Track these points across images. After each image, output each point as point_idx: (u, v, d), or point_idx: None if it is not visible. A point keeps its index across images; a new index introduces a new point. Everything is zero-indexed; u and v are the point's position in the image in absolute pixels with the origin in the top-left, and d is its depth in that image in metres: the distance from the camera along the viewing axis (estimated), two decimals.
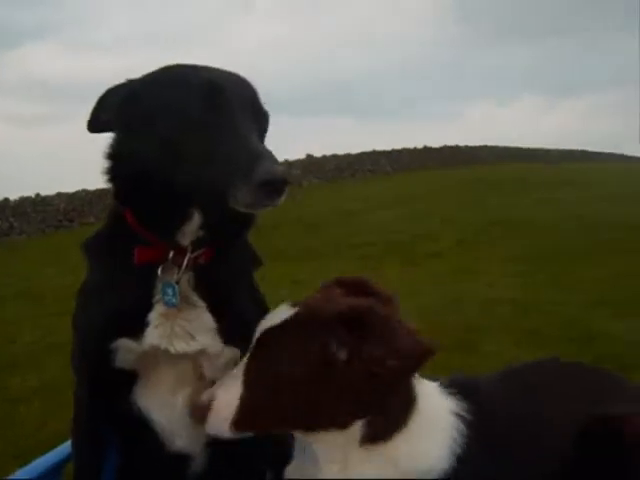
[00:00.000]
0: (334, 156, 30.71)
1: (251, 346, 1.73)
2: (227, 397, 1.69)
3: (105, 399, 2.04)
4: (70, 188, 23.78)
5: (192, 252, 1.90)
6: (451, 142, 36.50)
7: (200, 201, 1.81)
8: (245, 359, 1.74)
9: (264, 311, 2.02)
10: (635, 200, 16.86)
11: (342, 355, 1.59)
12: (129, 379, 2.00)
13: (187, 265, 1.90)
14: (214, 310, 1.96)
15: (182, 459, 2.12)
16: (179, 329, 1.92)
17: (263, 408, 1.67)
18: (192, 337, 1.93)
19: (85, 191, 23.99)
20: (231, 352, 1.97)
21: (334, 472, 1.69)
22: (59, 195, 23.52)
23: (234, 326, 1.96)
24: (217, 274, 1.97)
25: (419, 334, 1.61)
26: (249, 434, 1.72)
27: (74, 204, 23.56)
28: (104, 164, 1.92)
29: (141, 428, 2.05)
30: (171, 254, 1.89)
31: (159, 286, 1.91)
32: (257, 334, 1.72)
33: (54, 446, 2.35)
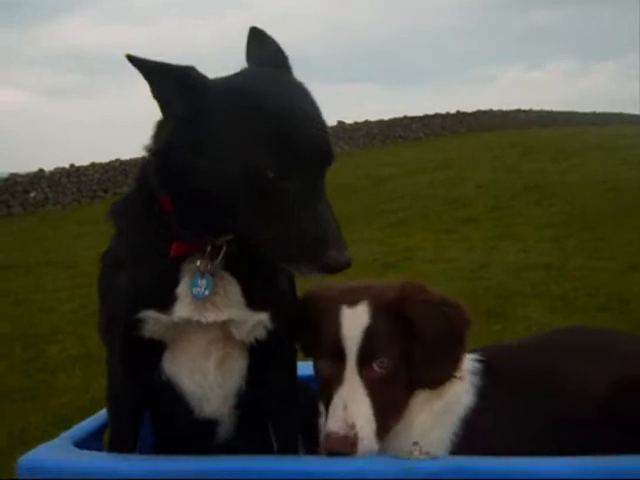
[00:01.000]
0: (366, 122, 30.53)
1: (353, 356, 1.94)
2: (365, 415, 1.90)
3: (136, 368, 2.06)
4: (104, 158, 23.99)
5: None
6: (484, 107, 36.04)
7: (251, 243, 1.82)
8: (352, 372, 1.94)
9: (289, 278, 2.11)
10: None
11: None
12: (158, 348, 2.03)
13: (219, 261, 1.92)
14: (241, 280, 1.98)
15: (210, 425, 2.15)
16: (209, 302, 1.94)
17: (392, 411, 1.98)
18: (221, 308, 1.95)
19: (119, 161, 24.17)
20: (258, 317, 1.99)
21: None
22: (93, 165, 23.71)
23: (261, 294, 1.99)
24: (245, 253, 1.96)
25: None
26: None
27: (108, 174, 23.74)
28: (160, 155, 1.85)
29: (170, 396, 2.08)
30: (208, 249, 1.90)
31: (187, 272, 1.92)
32: (354, 347, 1.95)
33: (95, 413, 2.40)
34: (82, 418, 2.38)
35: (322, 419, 2.08)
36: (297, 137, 1.72)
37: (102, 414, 2.34)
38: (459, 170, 19.84)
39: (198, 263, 1.90)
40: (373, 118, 31.14)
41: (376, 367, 1.94)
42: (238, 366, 2.09)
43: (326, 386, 1.98)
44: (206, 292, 1.91)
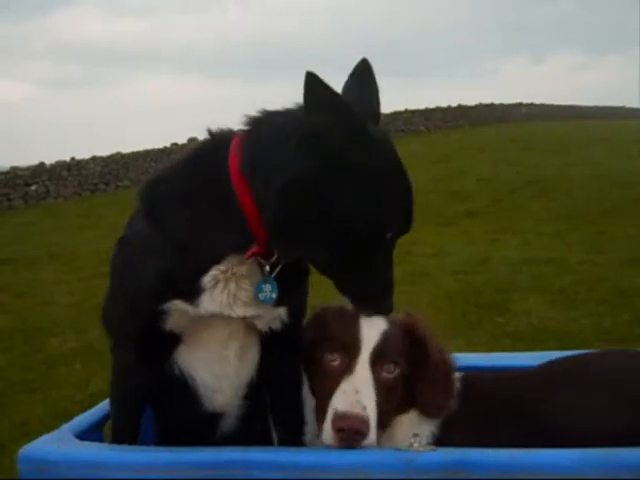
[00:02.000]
0: None
1: (367, 358, 2.00)
2: (372, 410, 1.92)
3: (147, 361, 2.05)
4: (105, 151, 24.00)
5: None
6: (486, 100, 35.99)
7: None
8: (365, 367, 1.99)
9: (304, 276, 2.14)
10: None
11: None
12: (174, 340, 2.02)
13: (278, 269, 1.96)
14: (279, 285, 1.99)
15: (215, 418, 2.16)
16: (238, 297, 1.94)
17: (387, 414, 2.02)
18: (250, 304, 1.95)
19: (120, 154, 24.17)
20: (279, 310, 2.02)
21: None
22: (94, 159, 23.69)
23: (287, 292, 2.00)
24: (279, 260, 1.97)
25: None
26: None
27: (109, 167, 23.74)
28: (273, 167, 1.80)
29: (181, 388, 2.08)
30: (274, 257, 1.92)
31: (233, 260, 1.91)
32: (369, 345, 2.01)
33: (95, 405, 2.40)
34: (83, 411, 2.38)
35: (309, 413, 2.16)
36: (409, 209, 1.94)
37: (103, 406, 2.35)
38: (460, 164, 19.84)
39: (267, 268, 1.93)
40: None
41: (385, 370, 2.01)
42: (252, 356, 2.11)
43: (331, 376, 1.99)
44: (273, 295, 1.95)
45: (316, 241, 1.81)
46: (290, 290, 2.02)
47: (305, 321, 2.18)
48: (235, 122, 1.97)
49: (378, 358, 2.00)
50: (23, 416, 5.15)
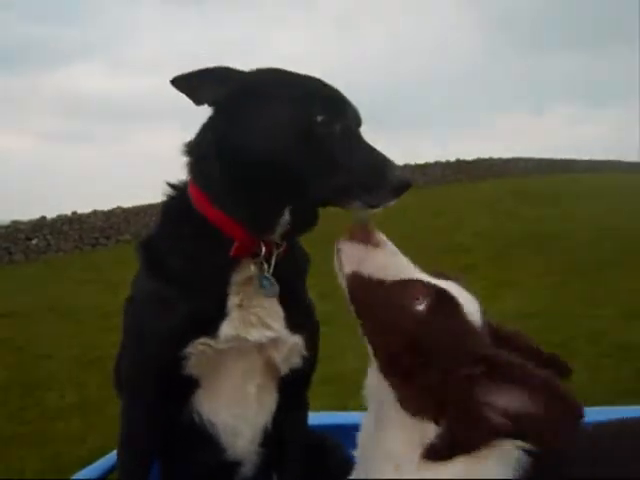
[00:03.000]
0: None
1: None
2: (381, 263, 1.73)
3: (161, 410, 2.04)
4: (106, 206, 24.06)
5: (277, 247, 1.95)
6: (484, 154, 36.28)
7: (313, 201, 1.89)
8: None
9: (312, 303, 2.15)
10: None
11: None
12: (191, 386, 2.00)
13: (274, 259, 1.95)
14: (282, 300, 1.99)
15: (232, 466, 2.12)
16: (254, 318, 1.94)
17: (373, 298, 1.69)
18: (267, 326, 1.95)
19: (121, 208, 24.25)
20: (295, 340, 2.01)
21: (389, 471, 1.65)
22: (95, 213, 23.77)
23: (298, 315, 2.02)
24: (284, 266, 1.99)
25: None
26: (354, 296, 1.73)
27: (110, 221, 23.79)
28: (202, 146, 1.94)
29: (198, 436, 2.05)
30: (263, 249, 1.91)
31: (236, 279, 1.93)
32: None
33: (93, 462, 2.39)
34: (80, 467, 2.37)
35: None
36: (337, 95, 1.91)
37: (101, 463, 2.34)
38: (458, 217, 19.92)
39: (252, 268, 1.93)
40: None
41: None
42: (269, 401, 2.09)
43: None
44: (276, 288, 1.94)
45: (265, 175, 1.84)
46: (301, 315, 2.04)
47: None
48: None
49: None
50: (19, 472, 5.11)
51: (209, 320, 1.92)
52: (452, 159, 34.32)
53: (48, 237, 22.42)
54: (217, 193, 1.90)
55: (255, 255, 1.92)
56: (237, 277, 1.93)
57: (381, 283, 1.69)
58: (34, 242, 22.03)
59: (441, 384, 1.57)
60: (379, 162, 1.85)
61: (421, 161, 33.16)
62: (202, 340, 1.91)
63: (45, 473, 5.02)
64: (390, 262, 1.74)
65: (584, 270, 11.58)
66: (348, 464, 2.30)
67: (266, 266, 1.93)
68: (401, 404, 1.62)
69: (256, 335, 1.94)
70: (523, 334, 1.80)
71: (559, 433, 1.49)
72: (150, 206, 23.73)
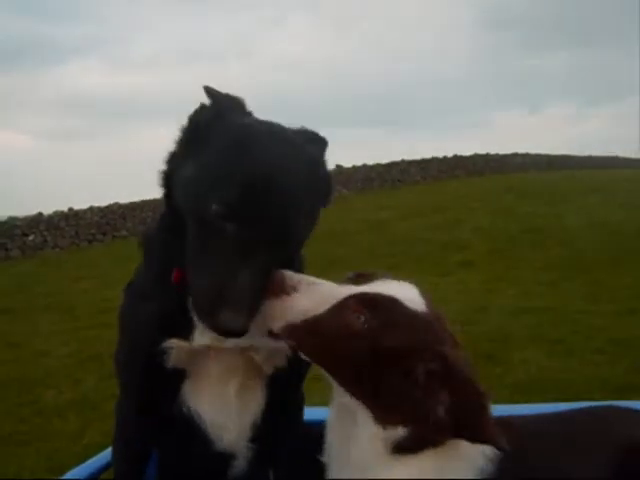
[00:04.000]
0: (363, 166, 30.68)
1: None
2: (304, 304, 1.65)
3: (152, 405, 2.04)
4: (103, 202, 24.05)
5: None
6: (481, 150, 36.27)
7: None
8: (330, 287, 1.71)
9: None
10: None
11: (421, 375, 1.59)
12: (178, 378, 2.00)
13: None
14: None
15: (225, 459, 2.11)
16: None
17: (321, 339, 1.66)
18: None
19: (118, 204, 24.23)
20: (278, 344, 1.90)
21: (359, 471, 1.69)
22: (92, 209, 23.75)
23: None
24: None
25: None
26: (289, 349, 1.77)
27: (107, 218, 23.78)
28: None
29: (189, 427, 2.04)
30: None
31: None
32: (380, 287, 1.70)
33: (89, 459, 2.38)
34: (77, 464, 2.36)
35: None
36: (241, 180, 1.63)
37: (98, 459, 2.33)
38: (456, 213, 19.92)
39: None
40: (371, 162, 31.33)
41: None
42: (255, 398, 2.06)
43: None
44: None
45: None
46: None
47: None
48: None
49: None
50: (16, 469, 5.10)
51: (183, 323, 1.89)
52: (450, 155, 34.30)
53: (45, 233, 22.40)
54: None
55: None
56: None
57: (316, 319, 1.64)
58: (31, 238, 22.01)
59: (404, 387, 1.59)
60: (223, 294, 1.59)
61: (418, 157, 33.15)
62: (175, 341, 1.91)
63: (42, 470, 5.01)
64: (313, 296, 1.67)
65: (582, 266, 11.59)
66: None
67: None
68: (374, 418, 1.63)
69: (232, 342, 1.87)
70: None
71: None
72: (147, 202, 23.72)
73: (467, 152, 35.10)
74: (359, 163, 30.75)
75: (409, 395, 1.58)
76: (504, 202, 21.34)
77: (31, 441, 5.80)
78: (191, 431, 2.04)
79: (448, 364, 1.58)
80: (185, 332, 1.91)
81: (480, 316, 8.89)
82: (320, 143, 1.92)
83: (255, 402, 2.07)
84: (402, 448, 1.62)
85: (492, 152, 36.63)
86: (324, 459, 1.83)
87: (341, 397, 1.71)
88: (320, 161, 1.88)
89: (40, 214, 22.81)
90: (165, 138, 1.89)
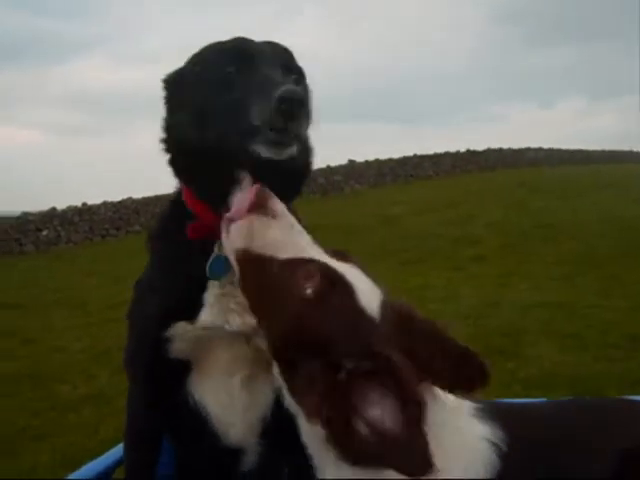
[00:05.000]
0: (376, 161, 30.61)
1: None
2: (272, 237, 1.55)
3: (160, 396, 2.05)
4: (116, 197, 24.12)
5: None
6: (494, 145, 36.13)
7: (236, 152, 1.80)
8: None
9: None
10: None
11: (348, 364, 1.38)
12: (184, 371, 2.02)
13: None
14: None
15: (235, 454, 2.11)
16: (234, 305, 1.93)
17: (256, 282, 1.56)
18: (247, 314, 1.88)
19: (131, 199, 24.30)
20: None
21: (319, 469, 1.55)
22: (105, 204, 23.82)
23: None
24: None
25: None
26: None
27: (120, 213, 23.85)
28: (161, 141, 1.99)
29: (195, 423, 2.05)
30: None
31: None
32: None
33: (104, 453, 2.39)
34: (91, 458, 2.37)
35: None
36: (253, 46, 1.90)
37: (112, 453, 2.33)
38: (469, 208, 19.87)
39: (216, 249, 1.89)
40: (384, 157, 31.27)
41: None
42: (264, 391, 2.05)
43: None
44: (222, 270, 1.89)
45: (208, 150, 1.84)
46: None
47: None
48: None
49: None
50: (31, 463, 5.13)
51: (188, 307, 1.92)
52: (462, 150, 34.19)
53: (58, 228, 22.49)
54: (187, 181, 1.96)
55: None
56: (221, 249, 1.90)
57: (271, 261, 1.51)
58: (44, 233, 22.10)
59: (324, 378, 1.39)
60: (267, 85, 1.73)
61: (431, 152, 33.05)
62: (181, 325, 1.92)
63: (57, 465, 5.03)
64: (285, 237, 1.56)
65: (595, 261, 11.53)
66: None
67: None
68: (290, 393, 1.50)
69: (236, 323, 1.92)
70: (442, 326, 1.56)
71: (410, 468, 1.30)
72: (160, 197, 23.75)
73: (480, 147, 34.98)
74: (371, 158, 30.70)
75: (328, 392, 1.37)
76: (517, 197, 21.27)
77: (45, 436, 5.83)
78: (199, 425, 2.05)
79: (382, 367, 1.35)
80: (191, 313, 1.93)
81: (493, 311, 8.87)
82: None
83: (263, 396, 2.06)
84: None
85: (505, 147, 36.51)
86: None
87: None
88: None
89: (54, 209, 22.89)
90: None
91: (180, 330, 1.93)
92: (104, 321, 9.91)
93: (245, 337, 1.95)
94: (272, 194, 1.61)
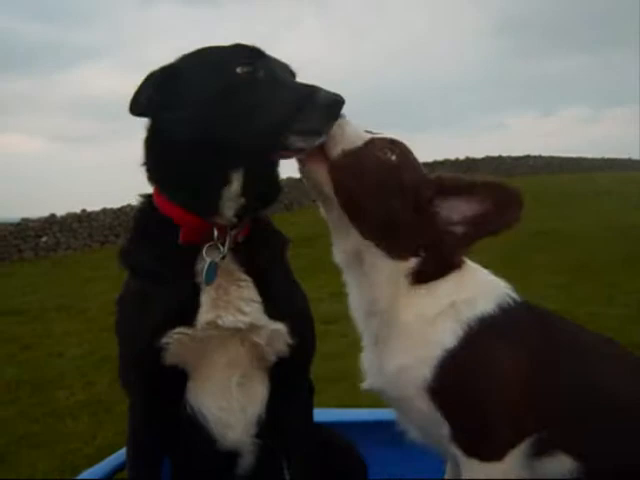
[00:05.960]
0: None
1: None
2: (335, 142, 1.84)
3: (158, 404, 2.06)
4: (116, 203, 24.10)
5: (232, 229, 1.95)
6: (493, 153, 36.18)
7: (252, 153, 1.84)
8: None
9: (300, 292, 2.18)
10: None
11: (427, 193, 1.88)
12: (180, 378, 2.02)
13: (229, 242, 1.95)
14: (258, 285, 2.01)
15: (231, 457, 2.13)
16: (228, 305, 1.96)
17: (352, 177, 1.84)
18: (240, 311, 1.96)
19: (130, 206, 24.25)
20: (277, 326, 2.01)
21: (384, 304, 1.88)
22: (104, 211, 23.81)
23: (277, 301, 2.03)
24: (257, 251, 2.03)
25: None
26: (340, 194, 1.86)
27: (120, 219, 23.83)
28: (142, 149, 1.99)
29: (194, 426, 2.06)
30: (215, 232, 1.93)
31: (202, 266, 1.95)
32: None
33: (102, 460, 2.39)
34: (89, 465, 2.38)
35: None
36: (253, 47, 1.92)
37: (110, 460, 2.34)
38: None
39: (204, 252, 1.93)
40: None
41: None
42: (259, 391, 2.09)
43: None
44: (213, 276, 1.94)
45: (206, 151, 1.85)
46: (283, 302, 2.05)
47: None
48: None
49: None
50: (29, 470, 5.12)
51: (184, 310, 1.94)
52: (461, 157, 34.22)
53: (58, 235, 22.47)
54: (166, 187, 1.97)
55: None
56: (201, 266, 1.95)
57: (353, 153, 1.85)
58: (44, 240, 22.08)
59: (416, 219, 1.86)
60: (306, 90, 1.80)
61: (430, 159, 33.08)
62: (179, 330, 1.94)
63: (55, 471, 5.02)
64: (353, 130, 1.89)
65: (595, 269, 11.54)
66: (358, 462, 2.30)
67: (221, 249, 1.94)
68: (390, 255, 1.86)
69: (230, 320, 1.95)
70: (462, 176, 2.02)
71: (511, 217, 2.02)
72: None
73: (478, 154, 35.02)
74: None
75: (420, 226, 1.85)
76: None
77: (44, 442, 5.82)
78: (194, 430, 2.07)
79: (446, 186, 1.93)
80: (188, 317, 1.95)
81: None
82: None
83: (258, 394, 2.09)
84: (422, 276, 1.88)
85: (504, 154, 36.54)
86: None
87: (355, 245, 1.88)
88: None
89: (53, 216, 22.87)
90: None
91: (179, 335, 1.94)
92: (103, 328, 9.88)
93: (240, 336, 1.98)
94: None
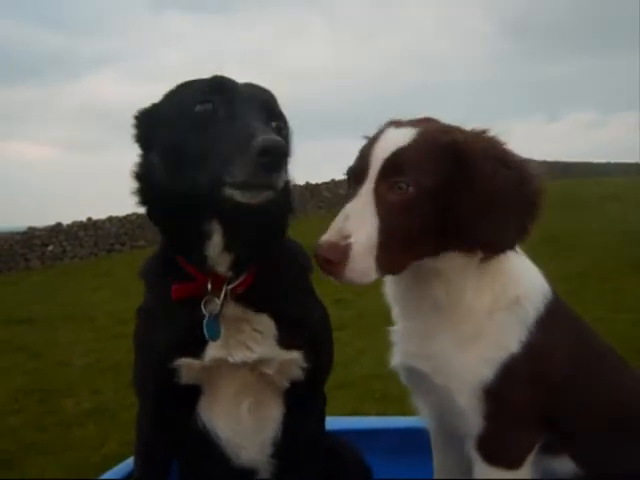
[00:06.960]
0: None
1: (375, 172, 1.75)
2: (365, 230, 1.68)
3: (170, 418, 2.05)
4: (121, 212, 24.12)
5: (229, 282, 1.90)
6: None
7: (206, 200, 1.73)
8: (368, 188, 1.75)
9: (319, 311, 2.12)
10: None
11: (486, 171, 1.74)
12: (193, 395, 2.00)
13: (226, 296, 1.90)
14: (273, 317, 1.96)
15: (245, 475, 2.10)
16: (237, 341, 1.93)
17: (402, 236, 1.72)
18: (249, 348, 1.93)
19: (136, 214, 24.28)
20: (291, 355, 1.96)
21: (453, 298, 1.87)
22: (110, 219, 23.84)
23: (293, 329, 1.97)
24: (269, 288, 1.97)
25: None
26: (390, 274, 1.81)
27: (125, 228, 23.86)
28: (133, 187, 1.97)
29: (206, 444, 2.04)
30: (209, 286, 1.89)
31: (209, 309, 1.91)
32: (378, 164, 1.74)
33: (109, 469, 2.39)
34: (96, 473, 2.37)
35: None
36: (231, 83, 1.85)
37: (117, 469, 2.34)
38: None
39: (202, 304, 1.89)
40: None
41: (395, 189, 1.71)
42: (273, 414, 2.05)
43: None
44: (216, 334, 1.90)
45: (179, 200, 1.80)
46: (298, 329, 1.99)
47: None
48: None
49: (385, 177, 1.72)
50: (37, 478, 5.12)
51: (191, 342, 1.91)
52: None
53: (64, 243, 22.51)
54: (163, 232, 1.97)
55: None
56: (209, 307, 1.91)
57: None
58: (50, 248, 22.14)
59: (480, 203, 1.76)
60: (245, 136, 1.62)
61: None
62: (186, 360, 1.92)
63: (63, 479, 5.02)
64: (356, 213, 1.74)
65: (602, 274, 11.49)
66: (364, 470, 2.29)
67: (217, 302, 1.90)
68: (460, 251, 1.81)
69: (239, 357, 1.92)
70: None
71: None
72: None
73: None
74: None
75: (485, 208, 1.76)
76: None
77: (52, 450, 5.82)
78: (209, 448, 2.04)
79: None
80: (197, 349, 1.92)
81: None
82: None
83: (272, 419, 2.05)
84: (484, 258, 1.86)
85: None
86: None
87: (421, 268, 1.81)
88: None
89: (59, 224, 22.92)
90: None
91: (185, 363, 1.93)
92: (110, 336, 9.90)
93: (249, 367, 1.96)
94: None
